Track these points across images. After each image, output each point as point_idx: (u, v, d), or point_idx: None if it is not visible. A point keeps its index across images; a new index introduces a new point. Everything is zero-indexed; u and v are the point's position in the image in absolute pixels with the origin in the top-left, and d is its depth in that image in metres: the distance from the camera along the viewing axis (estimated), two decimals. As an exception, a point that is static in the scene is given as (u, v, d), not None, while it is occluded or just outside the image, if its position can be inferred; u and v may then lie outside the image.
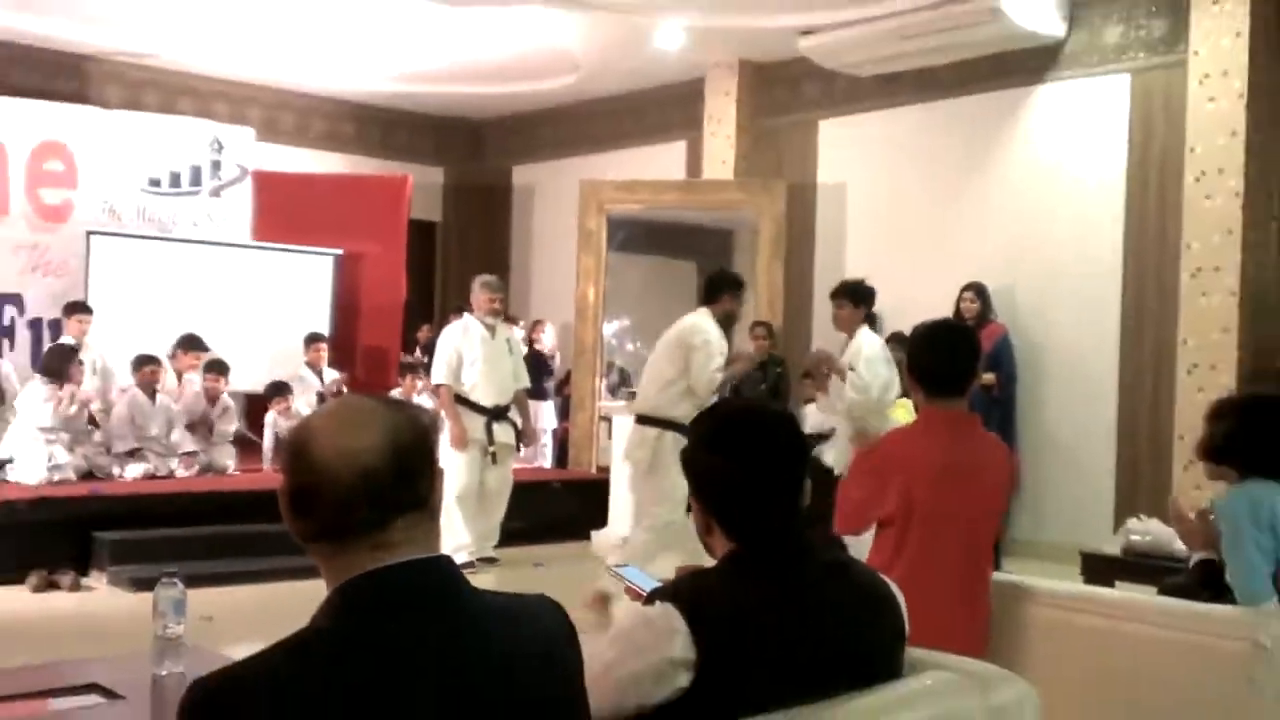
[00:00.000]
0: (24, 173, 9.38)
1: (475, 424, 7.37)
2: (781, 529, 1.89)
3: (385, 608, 1.40)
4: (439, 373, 7.46)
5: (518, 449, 7.81)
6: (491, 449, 7.41)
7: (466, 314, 7.70)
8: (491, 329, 7.57)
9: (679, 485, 5.97)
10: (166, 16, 9.28)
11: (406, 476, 1.43)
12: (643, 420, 6.22)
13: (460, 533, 7.27)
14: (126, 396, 8.01)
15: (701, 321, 6.21)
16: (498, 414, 7.46)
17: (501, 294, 7.86)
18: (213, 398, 8.46)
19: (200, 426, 8.38)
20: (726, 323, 6.38)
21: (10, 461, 7.51)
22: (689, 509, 2.02)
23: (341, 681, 1.33)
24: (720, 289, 6.37)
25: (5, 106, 9.36)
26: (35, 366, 8.07)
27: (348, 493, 1.39)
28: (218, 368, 8.54)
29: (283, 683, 1.32)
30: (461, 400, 7.40)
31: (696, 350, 6.07)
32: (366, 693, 1.33)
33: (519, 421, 7.68)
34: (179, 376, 8.59)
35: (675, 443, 5.97)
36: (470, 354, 7.42)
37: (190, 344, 8.71)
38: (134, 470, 7.78)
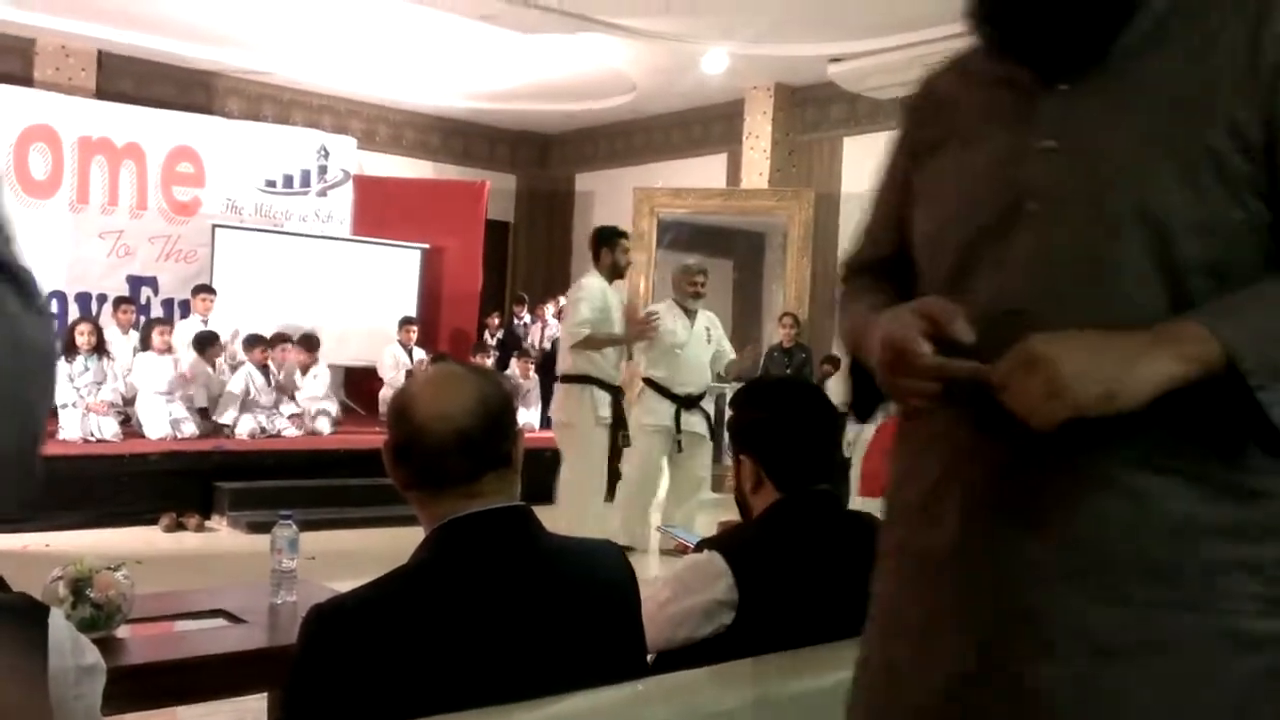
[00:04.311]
0: (160, 173, 9.51)
1: (664, 411, 6.16)
2: (818, 481, 1.88)
3: (475, 546, 1.43)
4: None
5: (711, 437, 6.36)
6: (678, 436, 6.17)
7: (670, 299, 6.46)
8: (691, 314, 6.31)
9: (593, 439, 5.73)
10: (282, 40, 9.36)
11: (494, 436, 1.45)
12: (563, 380, 5.93)
13: (633, 520, 6.16)
14: (243, 370, 8.05)
15: (585, 280, 5.87)
16: (689, 402, 6.21)
17: (703, 276, 6.40)
18: (304, 368, 8.46)
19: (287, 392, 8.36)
20: (615, 274, 5.94)
21: (128, 420, 7.62)
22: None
23: (437, 605, 1.36)
24: (599, 246, 5.91)
25: (146, 116, 9.49)
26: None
27: (444, 447, 1.42)
28: (307, 343, 8.55)
29: (389, 605, 1.35)
30: (653, 385, 6.23)
31: (570, 305, 5.84)
32: (457, 615, 1.36)
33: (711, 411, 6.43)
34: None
35: (593, 396, 5.73)
36: (669, 338, 6.15)
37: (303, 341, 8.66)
38: (245, 425, 7.83)
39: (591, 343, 5.72)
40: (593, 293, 5.79)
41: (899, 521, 1.23)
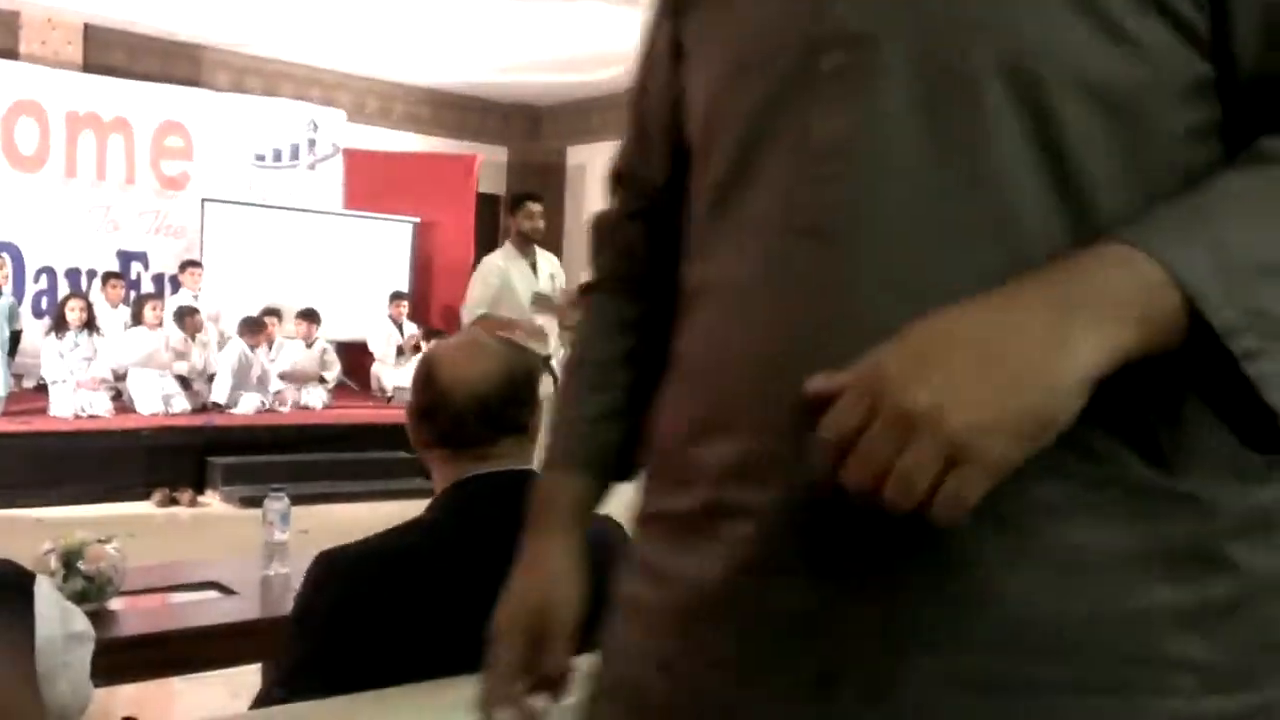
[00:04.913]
0: (149, 147, 9.46)
1: None
2: None
3: (482, 504, 1.48)
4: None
5: None
6: None
7: None
8: None
9: None
10: (268, 11, 9.28)
11: (513, 404, 1.52)
12: None
13: None
14: (236, 351, 8.05)
15: (486, 258, 5.60)
16: None
17: None
18: (308, 342, 8.51)
19: (303, 373, 8.41)
20: (526, 242, 5.50)
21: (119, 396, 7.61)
22: None
23: (438, 559, 1.42)
24: (508, 213, 5.54)
25: (133, 89, 9.43)
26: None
27: (465, 412, 1.49)
28: (308, 316, 8.61)
29: (394, 554, 1.43)
30: None
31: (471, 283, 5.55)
32: (456, 570, 1.40)
33: None
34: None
35: None
36: None
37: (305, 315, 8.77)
38: (245, 403, 7.86)
39: (485, 325, 5.40)
40: (486, 272, 5.49)
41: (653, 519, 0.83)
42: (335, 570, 1.42)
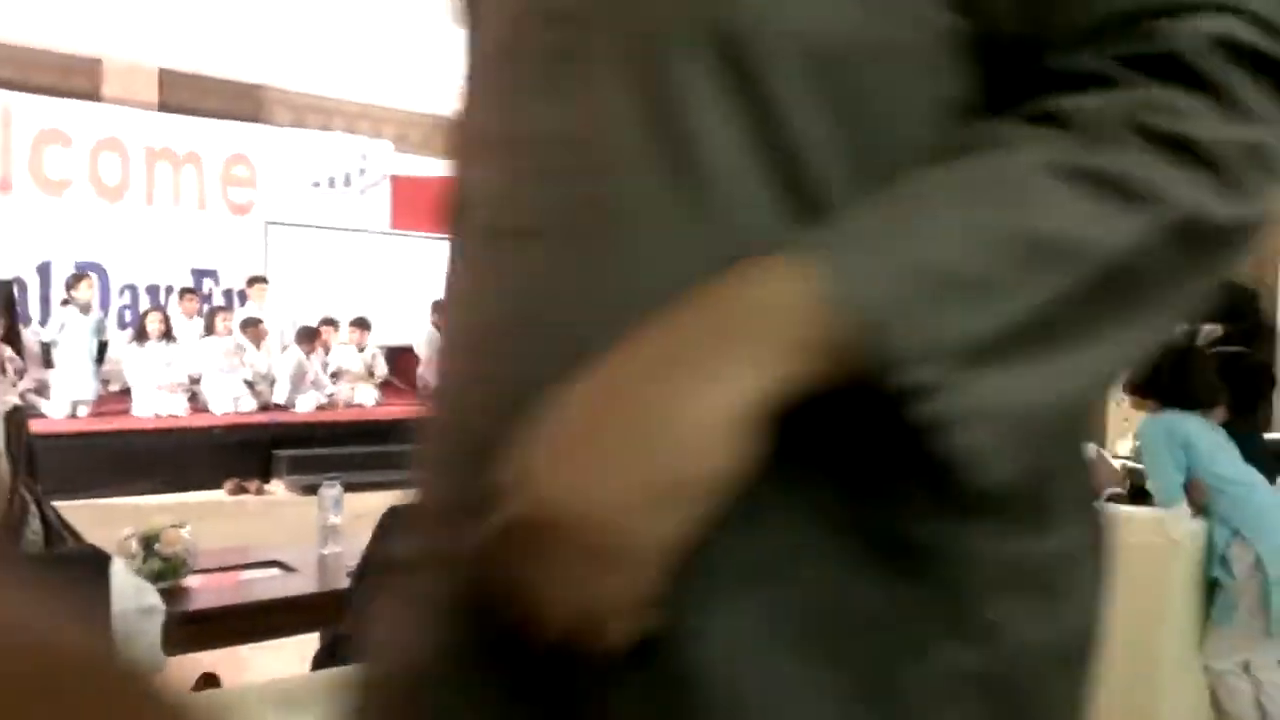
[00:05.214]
0: (218, 177, 9.53)
1: None
2: None
3: None
4: None
5: None
6: None
7: None
8: None
9: None
10: (324, 56, 9.33)
11: None
12: None
13: None
14: (293, 357, 8.10)
15: None
16: None
17: None
18: (360, 347, 8.60)
19: (353, 374, 8.49)
20: None
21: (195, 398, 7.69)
22: None
23: None
24: None
25: (203, 126, 9.50)
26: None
27: None
28: (361, 324, 8.72)
29: None
30: None
31: None
32: None
33: None
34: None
35: None
36: None
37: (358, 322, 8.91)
38: (306, 402, 7.93)
39: None
40: None
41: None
42: (402, 521, 1.42)
